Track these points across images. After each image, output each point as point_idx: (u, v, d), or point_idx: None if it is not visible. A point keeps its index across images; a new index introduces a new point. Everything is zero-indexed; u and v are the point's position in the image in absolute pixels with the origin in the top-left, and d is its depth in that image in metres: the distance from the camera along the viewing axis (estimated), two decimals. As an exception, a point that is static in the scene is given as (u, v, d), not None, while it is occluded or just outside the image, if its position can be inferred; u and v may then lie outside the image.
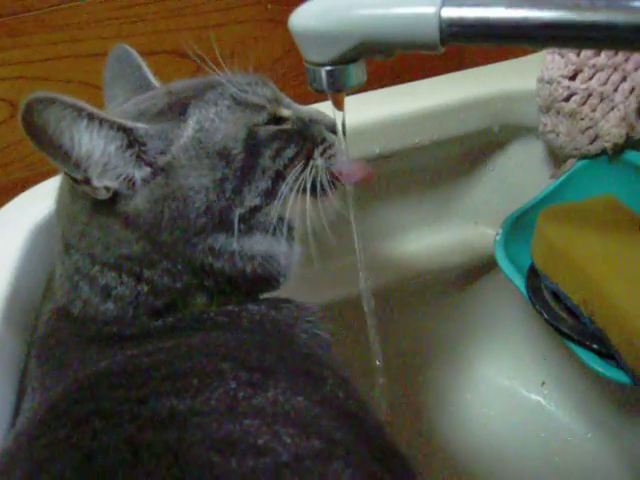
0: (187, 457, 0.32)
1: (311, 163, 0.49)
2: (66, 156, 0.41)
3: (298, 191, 0.48)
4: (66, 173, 0.43)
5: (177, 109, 0.46)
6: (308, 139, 0.49)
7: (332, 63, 0.42)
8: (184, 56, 1.06)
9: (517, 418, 0.94)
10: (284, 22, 1.25)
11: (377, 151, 0.71)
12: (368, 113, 0.71)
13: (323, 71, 0.42)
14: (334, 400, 0.40)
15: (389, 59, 0.42)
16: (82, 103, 0.41)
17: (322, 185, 0.49)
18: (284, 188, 0.47)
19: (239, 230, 0.45)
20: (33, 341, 0.51)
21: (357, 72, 0.43)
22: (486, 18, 0.37)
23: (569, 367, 0.87)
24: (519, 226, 0.71)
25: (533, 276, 0.65)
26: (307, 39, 0.41)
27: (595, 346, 0.57)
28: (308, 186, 0.48)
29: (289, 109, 0.51)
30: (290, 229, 0.49)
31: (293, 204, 0.48)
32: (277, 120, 0.49)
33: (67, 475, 0.33)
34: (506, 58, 0.82)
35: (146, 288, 0.45)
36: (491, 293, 0.92)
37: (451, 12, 0.37)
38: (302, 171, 0.48)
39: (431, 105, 0.73)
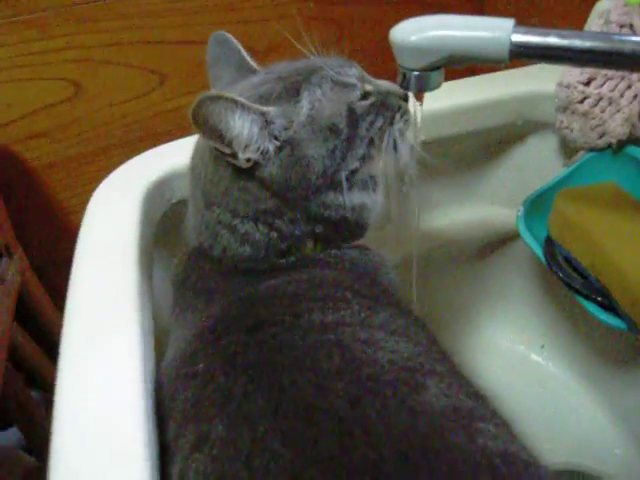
0: (349, 351, 0.43)
1: (395, 127, 0.60)
2: (221, 137, 0.52)
3: (384, 151, 0.60)
4: (217, 149, 0.54)
5: (292, 92, 0.56)
6: (389, 109, 0.60)
7: (421, 69, 0.55)
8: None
9: (518, 376, 1.04)
10: (323, 19, 1.31)
11: (423, 138, 0.83)
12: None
13: (413, 75, 0.56)
14: (420, 325, 0.53)
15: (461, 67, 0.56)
16: (237, 97, 0.52)
17: (401, 142, 0.61)
18: (374, 151, 0.59)
19: (345, 187, 0.57)
20: (171, 276, 0.63)
21: (438, 77, 0.56)
22: (544, 43, 0.50)
23: (568, 332, 0.99)
24: (537, 205, 0.83)
25: (549, 245, 0.78)
26: (405, 50, 0.54)
27: (600, 299, 0.71)
28: (391, 146, 0.60)
29: (370, 84, 0.60)
30: (376, 184, 0.61)
31: (379, 162, 0.60)
32: (364, 95, 0.59)
33: (259, 367, 0.43)
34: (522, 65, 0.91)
35: (276, 234, 0.57)
36: (504, 265, 1.04)
37: (519, 37, 0.50)
38: (388, 135, 0.60)
39: (467, 102, 0.85)
